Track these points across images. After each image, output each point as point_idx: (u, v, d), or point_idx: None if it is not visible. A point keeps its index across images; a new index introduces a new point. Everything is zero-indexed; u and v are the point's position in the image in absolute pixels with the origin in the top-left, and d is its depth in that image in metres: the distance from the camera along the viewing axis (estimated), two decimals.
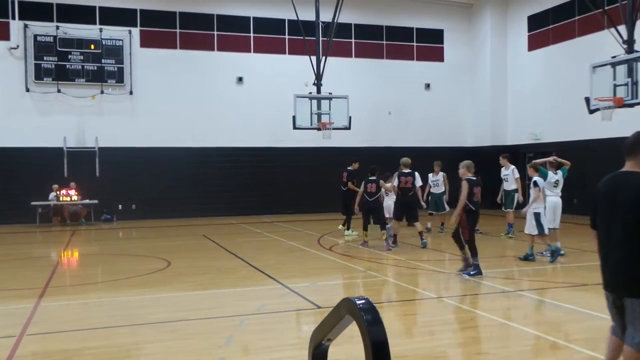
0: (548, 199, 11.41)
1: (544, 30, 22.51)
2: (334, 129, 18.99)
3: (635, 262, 3.89)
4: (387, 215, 13.81)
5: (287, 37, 22.95)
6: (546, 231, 10.88)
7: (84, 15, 20.91)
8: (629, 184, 4.12)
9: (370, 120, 23.25)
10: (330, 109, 19.06)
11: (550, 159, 11.70)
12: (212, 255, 12.72)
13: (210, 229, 17.71)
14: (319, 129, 19.04)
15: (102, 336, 6.48)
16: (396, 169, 13.57)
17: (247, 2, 22.63)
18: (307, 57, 19.62)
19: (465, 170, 9.84)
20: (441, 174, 15.48)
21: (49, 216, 20.06)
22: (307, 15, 20.10)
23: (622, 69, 13.95)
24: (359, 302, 2.18)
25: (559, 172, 11.46)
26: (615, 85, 14.03)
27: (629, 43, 14.46)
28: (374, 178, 13.37)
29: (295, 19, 19.62)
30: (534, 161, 11.75)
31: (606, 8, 16.92)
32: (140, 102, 21.43)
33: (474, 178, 9.75)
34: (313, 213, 21.37)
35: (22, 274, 10.85)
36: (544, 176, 11.37)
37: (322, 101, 19.12)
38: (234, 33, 22.58)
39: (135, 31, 21.48)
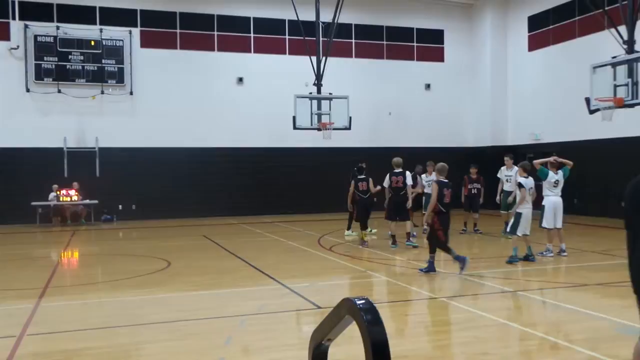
0: (548, 199, 11.42)
1: (544, 30, 22.51)
2: (334, 129, 18.98)
3: None
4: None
5: (287, 37, 22.95)
6: (518, 233, 10.84)
7: (84, 15, 20.92)
8: None
9: (371, 121, 23.25)
10: (330, 110, 19.05)
11: (551, 159, 11.71)
12: (212, 256, 12.71)
13: (211, 229, 17.71)
14: (319, 129, 19.03)
15: (102, 336, 6.48)
16: (405, 169, 13.58)
17: (247, 3, 22.63)
18: (307, 58, 19.62)
19: (438, 174, 10.18)
20: (434, 174, 15.40)
21: (49, 216, 20.06)
22: (308, 15, 20.09)
23: (622, 70, 13.94)
24: (359, 302, 2.18)
25: (560, 172, 11.47)
26: (615, 86, 14.02)
27: (629, 43, 14.45)
28: (364, 177, 13.86)
29: (296, 19, 19.62)
30: (523, 162, 11.78)
31: (606, 8, 16.92)
32: (141, 102, 21.43)
33: (445, 180, 10.02)
34: (313, 213, 21.37)
35: (22, 274, 10.85)
36: (545, 176, 11.38)
37: (323, 101, 19.11)
38: (234, 33, 22.59)
39: (136, 31, 21.49)
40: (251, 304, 7.93)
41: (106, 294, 9.06)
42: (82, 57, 20.76)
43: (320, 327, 2.51)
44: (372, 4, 23.88)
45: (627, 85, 13.72)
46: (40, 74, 20.34)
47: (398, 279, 9.80)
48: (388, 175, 13.19)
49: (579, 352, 5.72)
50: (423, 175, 15.42)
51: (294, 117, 18.77)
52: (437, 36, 25.03)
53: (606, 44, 15.80)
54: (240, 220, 20.20)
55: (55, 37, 20.46)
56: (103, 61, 20.94)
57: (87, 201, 20.10)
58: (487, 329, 6.62)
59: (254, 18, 22.73)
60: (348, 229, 15.44)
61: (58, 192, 19.79)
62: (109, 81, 21.04)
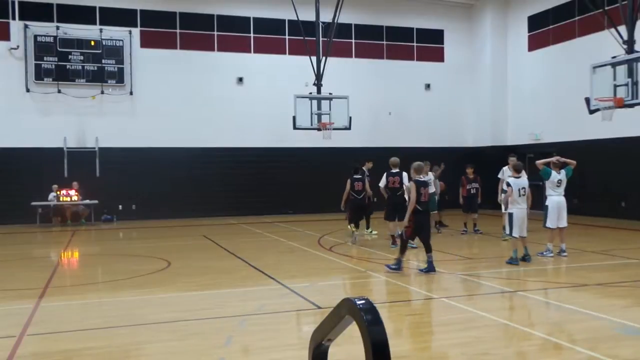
0: (551, 199, 11.43)
1: (544, 30, 22.52)
2: (334, 129, 18.98)
3: None
4: None
5: (287, 37, 22.96)
6: (515, 234, 10.79)
7: (84, 15, 20.92)
8: None
9: (371, 121, 23.25)
10: (330, 109, 19.05)
11: (554, 159, 11.71)
12: (212, 256, 12.71)
13: (211, 229, 17.71)
14: (319, 129, 19.04)
15: (102, 336, 6.48)
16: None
17: (247, 3, 22.63)
18: (307, 58, 19.62)
19: (414, 172, 10.26)
20: (431, 173, 15.41)
21: (49, 216, 20.06)
22: (307, 15, 20.10)
23: (622, 70, 13.93)
24: (359, 302, 2.18)
25: (562, 172, 11.47)
26: (615, 86, 14.02)
27: (629, 43, 14.45)
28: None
29: (296, 19, 19.62)
30: (515, 162, 11.75)
31: (606, 8, 16.92)
32: (141, 102, 21.43)
33: (422, 179, 10.20)
34: (313, 213, 21.37)
35: (22, 274, 10.85)
36: (547, 176, 11.38)
37: (323, 101, 19.11)
38: (234, 33, 22.59)
39: (136, 31, 21.49)
40: (251, 304, 7.93)
41: (106, 294, 9.07)
42: (82, 57, 20.76)
43: (320, 327, 2.51)
44: (372, 4, 23.88)
45: (627, 85, 13.72)
46: (40, 74, 20.34)
47: (398, 279, 9.79)
48: (385, 175, 13.21)
49: (579, 352, 5.72)
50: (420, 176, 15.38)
51: (294, 117, 18.77)
52: (437, 36, 25.04)
53: (606, 44, 15.80)
54: (240, 220, 20.20)
55: (55, 37, 20.46)
56: (103, 61, 20.94)
57: (87, 201, 20.10)
58: (487, 329, 6.62)
59: (254, 18, 22.73)
60: (367, 228, 15.38)
61: (58, 192, 19.79)
62: (109, 81, 21.05)
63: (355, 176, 14.20)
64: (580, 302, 7.93)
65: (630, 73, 13.69)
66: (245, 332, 6.56)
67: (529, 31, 23.30)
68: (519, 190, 10.74)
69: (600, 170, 19.15)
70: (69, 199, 19.85)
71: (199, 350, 5.91)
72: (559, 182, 11.40)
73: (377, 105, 23.58)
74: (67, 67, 20.64)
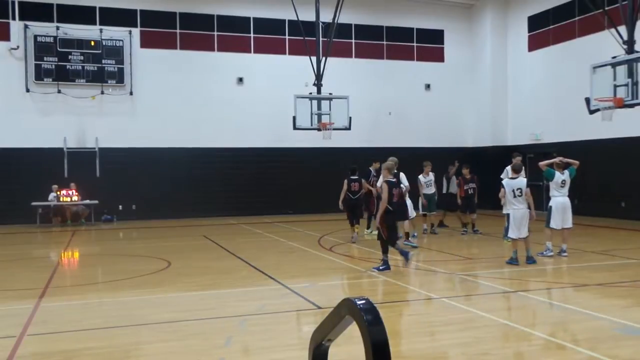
0: (555, 200, 11.41)
1: (544, 30, 22.51)
2: (334, 129, 18.98)
3: None
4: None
5: (287, 37, 22.96)
6: (512, 236, 10.74)
7: (84, 15, 20.92)
8: None
9: (371, 121, 23.25)
10: (330, 110, 19.05)
11: (557, 160, 11.70)
12: (212, 256, 12.71)
13: (211, 230, 17.71)
14: (319, 130, 19.03)
15: (102, 337, 6.48)
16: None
17: (247, 3, 22.63)
18: (307, 58, 19.61)
19: (387, 172, 10.32)
20: (432, 174, 15.43)
21: (49, 216, 20.05)
22: (308, 15, 20.09)
23: (622, 70, 13.93)
24: (359, 302, 2.18)
25: (566, 172, 11.47)
26: (615, 86, 14.01)
27: (629, 43, 14.45)
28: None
29: (296, 19, 19.61)
30: (514, 162, 11.72)
31: (606, 8, 16.92)
32: (141, 102, 21.43)
33: (394, 180, 10.28)
34: (313, 213, 21.37)
35: (22, 274, 10.85)
36: (551, 177, 11.37)
37: (323, 101, 19.11)
38: (234, 33, 22.59)
39: (136, 31, 21.49)
40: (251, 304, 7.93)
41: (106, 294, 9.07)
42: (82, 57, 20.76)
43: (321, 328, 2.51)
44: (372, 4, 23.88)
45: (627, 85, 13.71)
46: (40, 74, 20.34)
47: (398, 279, 9.80)
48: (381, 177, 13.22)
49: (579, 352, 5.72)
50: (421, 177, 15.37)
51: (294, 117, 18.77)
52: (437, 36, 25.04)
53: (606, 44, 15.80)
54: (240, 220, 20.20)
55: (55, 37, 20.46)
56: (103, 61, 20.94)
57: (87, 201, 20.11)
58: (487, 329, 6.62)
59: (254, 18, 22.73)
60: (367, 228, 15.40)
61: (58, 193, 19.79)
62: (109, 81, 21.05)
63: (352, 177, 14.31)
64: (580, 302, 7.93)
65: (630, 73, 13.69)
66: (246, 332, 6.56)
67: (529, 31, 23.30)
68: (513, 191, 10.69)
69: (600, 170, 19.15)
70: (69, 199, 19.86)
71: (199, 351, 5.91)
72: (563, 182, 11.39)
73: (377, 105, 23.58)
74: (67, 67, 20.64)
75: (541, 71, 22.64)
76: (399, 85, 24.07)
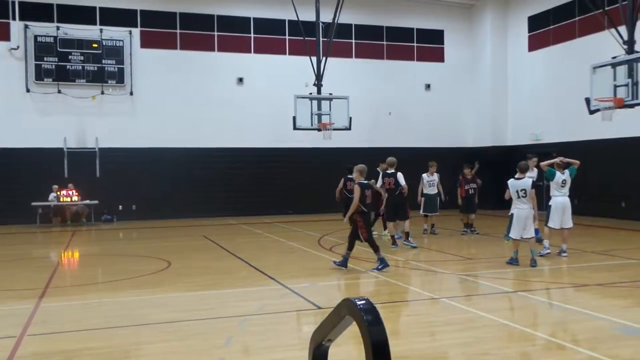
0: (556, 199, 11.40)
1: (545, 30, 22.52)
2: (334, 129, 18.99)
3: None
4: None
5: (287, 37, 22.96)
6: (513, 236, 10.67)
7: (85, 15, 20.93)
8: None
9: (371, 121, 23.25)
10: (330, 110, 19.06)
11: (557, 160, 11.70)
12: (212, 256, 12.72)
13: (211, 230, 17.71)
14: (319, 130, 19.04)
15: (102, 337, 6.48)
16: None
17: (247, 3, 22.64)
18: (307, 58, 19.62)
19: (358, 174, 10.45)
20: (436, 174, 15.39)
21: (49, 216, 20.06)
22: (308, 15, 20.10)
23: (622, 70, 13.94)
24: (359, 302, 2.18)
25: (566, 172, 11.46)
26: (615, 86, 14.02)
27: (630, 44, 14.45)
28: (352, 177, 14.06)
29: (296, 19, 19.62)
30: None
31: (606, 9, 16.93)
32: (141, 102, 21.44)
33: (366, 182, 10.42)
34: (313, 214, 21.37)
35: (22, 274, 10.85)
36: (552, 177, 11.37)
37: (323, 102, 19.12)
38: (234, 34, 22.59)
39: (136, 32, 21.50)
40: (251, 304, 7.93)
41: (106, 294, 9.06)
42: (82, 58, 20.76)
43: (321, 328, 2.51)
44: (372, 4, 23.88)
45: (627, 85, 13.72)
46: (41, 74, 20.35)
47: (398, 279, 9.80)
48: (380, 177, 13.25)
49: (579, 352, 5.72)
50: (425, 175, 15.34)
51: (294, 118, 18.78)
52: (437, 36, 25.04)
53: (606, 44, 15.81)
54: (240, 221, 20.21)
55: (55, 38, 20.46)
56: (103, 61, 20.94)
57: (87, 201, 20.11)
58: (487, 329, 6.62)
59: (254, 18, 22.74)
60: (384, 229, 15.34)
61: (58, 193, 19.80)
62: (109, 81, 21.05)
63: (349, 176, 14.39)
64: (580, 302, 7.93)
65: (631, 73, 13.70)
66: (246, 332, 6.56)
67: (529, 31, 23.30)
68: (517, 191, 10.66)
69: (600, 170, 19.15)
70: (69, 199, 19.86)
71: (199, 351, 5.92)
72: (564, 182, 11.39)
73: (377, 105, 23.58)
74: (67, 67, 20.64)
75: (541, 71, 22.64)
76: (399, 85, 24.07)
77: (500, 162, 21.31)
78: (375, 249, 10.21)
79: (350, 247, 10.36)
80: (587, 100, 14.74)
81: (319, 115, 18.98)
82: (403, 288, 9.17)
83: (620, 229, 16.56)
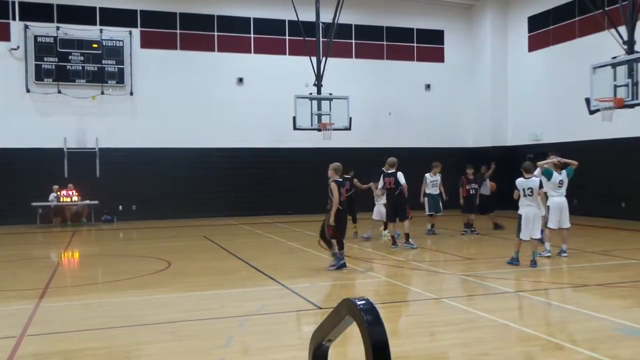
0: (552, 200, 11.39)
1: (545, 30, 22.52)
2: (334, 129, 18.98)
3: None
4: (377, 219, 14.58)
5: (287, 37, 22.96)
6: (523, 237, 10.60)
7: (85, 16, 20.93)
8: None
9: (371, 121, 23.25)
10: (330, 110, 19.05)
11: (555, 160, 11.69)
12: (212, 256, 12.72)
13: (211, 230, 17.71)
14: (319, 130, 19.04)
15: (102, 337, 6.48)
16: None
17: (247, 3, 22.64)
18: (307, 58, 19.61)
19: (333, 172, 10.55)
20: (439, 175, 15.39)
21: (50, 217, 20.06)
22: (308, 16, 20.09)
23: (622, 70, 13.94)
24: (359, 302, 2.18)
25: (563, 172, 11.45)
26: (615, 86, 14.02)
27: (630, 44, 14.45)
28: (349, 177, 14.66)
29: (296, 19, 19.61)
30: (525, 162, 11.71)
31: (606, 9, 16.92)
32: (141, 102, 21.44)
33: (341, 180, 10.61)
34: (313, 214, 21.32)
35: (22, 274, 10.85)
36: (549, 176, 11.36)
37: (323, 102, 19.11)
38: (234, 34, 22.59)
39: (136, 32, 21.50)
40: (251, 304, 7.93)
41: (106, 295, 9.06)
42: (82, 58, 20.77)
43: (321, 328, 2.51)
44: (372, 5, 23.88)
45: (627, 85, 13.72)
46: (41, 75, 20.35)
47: (398, 280, 9.80)
48: (382, 177, 13.27)
49: (579, 352, 5.72)
50: (428, 175, 15.34)
51: (294, 118, 18.77)
52: (437, 36, 25.04)
53: (606, 44, 15.81)
54: (240, 221, 20.20)
55: (55, 38, 20.47)
56: (103, 62, 20.94)
57: (87, 201, 20.11)
58: (487, 329, 6.62)
59: (254, 18, 22.74)
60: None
61: (58, 193, 19.80)
62: (109, 82, 21.05)
63: (345, 176, 14.34)
64: (580, 302, 7.93)
65: (631, 73, 13.70)
66: (246, 332, 6.56)
67: (529, 31, 23.30)
68: (524, 190, 10.68)
69: (600, 170, 19.14)
70: (69, 199, 19.86)
71: (199, 351, 5.92)
72: (560, 182, 11.38)
73: (377, 105, 23.57)
74: (67, 67, 20.64)
75: (541, 71, 22.64)
76: (399, 86, 24.07)
77: (500, 162, 21.30)
78: (330, 245, 10.38)
79: (330, 245, 10.44)
80: (587, 101, 14.74)
81: (319, 116, 18.98)
82: (403, 288, 9.17)
83: (620, 229, 16.55)
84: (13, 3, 20.09)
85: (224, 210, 21.77)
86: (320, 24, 19.86)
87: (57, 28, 20.54)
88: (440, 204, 15.47)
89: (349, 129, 19.37)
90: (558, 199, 11.35)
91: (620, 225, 17.10)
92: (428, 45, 24.89)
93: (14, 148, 20.02)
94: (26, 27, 20.28)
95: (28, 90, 20.29)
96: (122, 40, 21.15)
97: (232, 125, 22.11)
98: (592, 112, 14.82)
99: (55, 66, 20.49)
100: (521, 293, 8.60)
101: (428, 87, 24.74)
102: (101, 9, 21.17)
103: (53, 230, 18.99)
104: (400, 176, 12.94)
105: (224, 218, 21.10)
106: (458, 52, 25.05)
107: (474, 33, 25.10)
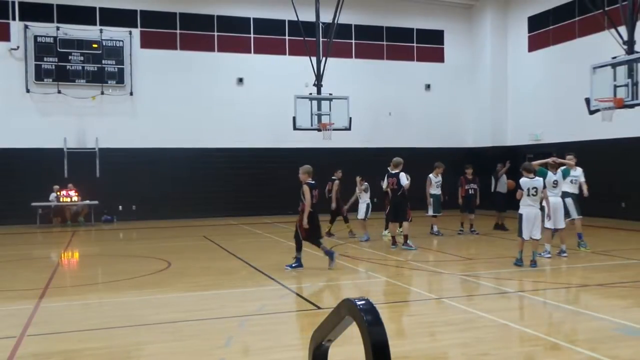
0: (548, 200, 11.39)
1: (545, 31, 22.52)
2: (334, 129, 18.98)
3: None
4: (360, 217, 14.97)
5: (287, 37, 22.96)
6: (524, 236, 10.60)
7: (85, 16, 20.93)
8: None
9: (371, 121, 23.25)
10: (330, 110, 19.05)
11: (550, 160, 11.69)
12: (212, 256, 12.72)
13: (211, 230, 17.71)
14: (319, 130, 19.04)
15: (102, 337, 6.48)
16: (404, 169, 13.55)
17: (247, 3, 22.64)
18: (307, 58, 19.62)
19: (306, 175, 10.66)
20: (440, 176, 15.38)
21: (50, 217, 20.06)
22: (308, 16, 20.09)
23: (622, 70, 13.94)
24: (359, 302, 2.18)
25: (559, 172, 11.45)
26: (615, 86, 14.03)
27: (629, 44, 14.46)
28: (334, 178, 15.46)
29: (296, 19, 19.61)
30: (525, 163, 11.71)
31: (606, 9, 16.93)
32: (141, 102, 21.44)
33: (313, 182, 10.70)
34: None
35: (22, 274, 10.85)
36: (544, 177, 11.36)
37: (323, 102, 19.11)
38: (234, 34, 22.60)
39: (136, 32, 21.50)
40: (251, 304, 7.93)
41: (106, 295, 9.06)
42: (82, 58, 20.77)
43: (321, 328, 2.51)
44: (372, 5, 23.88)
45: (627, 85, 13.73)
46: (40, 75, 20.35)
47: (398, 280, 9.80)
48: (386, 177, 13.29)
49: (579, 353, 5.71)
50: (431, 176, 15.31)
51: (294, 118, 18.77)
52: (437, 36, 25.04)
53: (606, 44, 15.81)
54: (240, 221, 20.20)
55: (55, 38, 20.47)
56: (103, 62, 20.94)
57: (87, 202, 20.11)
58: (487, 329, 6.62)
59: (254, 18, 22.74)
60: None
61: (58, 193, 19.79)
62: (109, 82, 21.06)
63: (333, 177, 14.85)
64: (580, 302, 7.94)
65: (630, 73, 13.70)
66: (246, 332, 6.56)
67: (529, 32, 23.31)
68: (528, 189, 10.67)
69: (600, 170, 19.09)
70: (69, 199, 19.86)
71: (199, 351, 5.91)
72: (555, 182, 11.37)
73: (377, 105, 23.57)
74: (67, 67, 20.65)
75: (541, 71, 22.64)
76: (399, 86, 24.07)
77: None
78: (300, 247, 10.48)
79: (317, 244, 10.64)
80: (587, 101, 14.74)
81: (319, 116, 18.98)
82: (403, 288, 9.17)
83: (620, 229, 16.55)
84: (13, 3, 20.09)
85: (224, 210, 21.77)
86: (320, 24, 19.86)
87: (57, 28, 20.55)
88: (440, 204, 15.49)
89: (349, 129, 19.37)
90: (553, 199, 11.35)
91: (620, 225, 17.09)
92: (428, 45, 24.89)
93: (14, 148, 20.02)
94: (26, 27, 20.28)
95: (28, 91, 20.29)
96: (122, 40, 21.15)
97: (232, 125, 22.11)
98: (592, 112, 14.83)
99: (55, 66, 20.49)
100: (521, 293, 8.60)
101: (428, 87, 24.74)
102: (101, 9, 21.17)
103: (53, 230, 18.99)
104: (402, 177, 12.92)
105: (224, 218, 21.10)
106: (458, 52, 25.05)
107: (474, 33, 25.10)
